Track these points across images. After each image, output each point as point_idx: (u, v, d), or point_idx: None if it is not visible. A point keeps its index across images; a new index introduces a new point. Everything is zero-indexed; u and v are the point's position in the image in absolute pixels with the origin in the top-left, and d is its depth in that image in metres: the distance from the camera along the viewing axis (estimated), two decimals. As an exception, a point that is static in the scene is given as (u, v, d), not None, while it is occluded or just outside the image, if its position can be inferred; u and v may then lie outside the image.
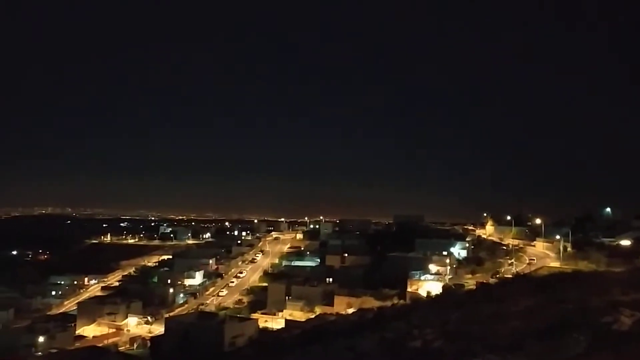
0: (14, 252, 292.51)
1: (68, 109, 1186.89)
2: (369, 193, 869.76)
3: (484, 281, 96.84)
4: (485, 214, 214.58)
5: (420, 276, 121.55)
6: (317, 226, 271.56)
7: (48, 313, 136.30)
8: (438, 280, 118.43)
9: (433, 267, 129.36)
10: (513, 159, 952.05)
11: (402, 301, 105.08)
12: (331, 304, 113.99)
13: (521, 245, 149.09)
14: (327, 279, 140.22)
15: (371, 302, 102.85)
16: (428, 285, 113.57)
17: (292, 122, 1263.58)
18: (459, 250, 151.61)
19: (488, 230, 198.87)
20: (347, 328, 74.89)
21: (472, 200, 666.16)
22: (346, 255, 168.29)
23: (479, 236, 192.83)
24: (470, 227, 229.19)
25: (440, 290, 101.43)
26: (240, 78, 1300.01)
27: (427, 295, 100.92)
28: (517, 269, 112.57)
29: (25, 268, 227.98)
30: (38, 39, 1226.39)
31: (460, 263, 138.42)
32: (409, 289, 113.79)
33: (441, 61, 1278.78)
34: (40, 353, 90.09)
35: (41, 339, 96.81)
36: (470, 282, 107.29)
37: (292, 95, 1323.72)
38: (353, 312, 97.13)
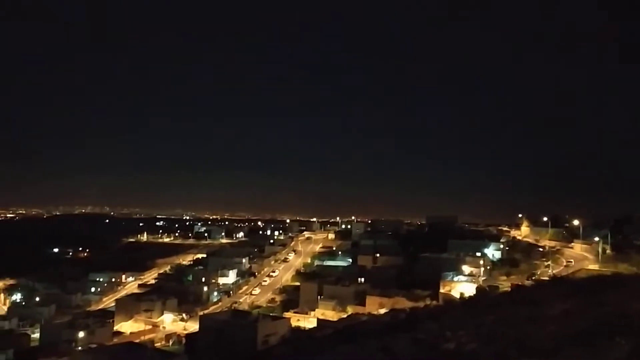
0: (56, 250, 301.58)
1: (108, 109, 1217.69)
2: (401, 194, 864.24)
3: (519, 283, 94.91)
4: (520, 215, 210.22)
5: (453, 277, 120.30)
6: (349, 226, 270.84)
7: (88, 309, 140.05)
8: (471, 281, 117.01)
9: (466, 269, 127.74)
10: (550, 159, 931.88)
11: (434, 302, 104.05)
12: (363, 304, 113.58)
13: (558, 247, 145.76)
14: (359, 279, 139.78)
15: (403, 303, 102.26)
16: (461, 286, 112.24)
17: (325, 123, 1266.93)
18: (493, 252, 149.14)
19: (523, 232, 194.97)
20: (379, 328, 74.66)
21: (507, 201, 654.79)
22: (378, 255, 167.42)
23: (514, 237, 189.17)
24: (505, 229, 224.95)
25: (474, 292, 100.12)
26: (275, 78, 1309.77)
27: (460, 297, 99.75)
28: (553, 271, 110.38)
29: (66, 265, 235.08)
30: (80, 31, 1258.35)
31: (495, 264, 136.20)
32: (441, 290, 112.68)
33: (477, 59, 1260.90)
34: (80, 348, 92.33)
35: (81, 334, 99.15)
36: (504, 284, 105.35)
37: (325, 96, 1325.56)
38: (385, 313, 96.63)
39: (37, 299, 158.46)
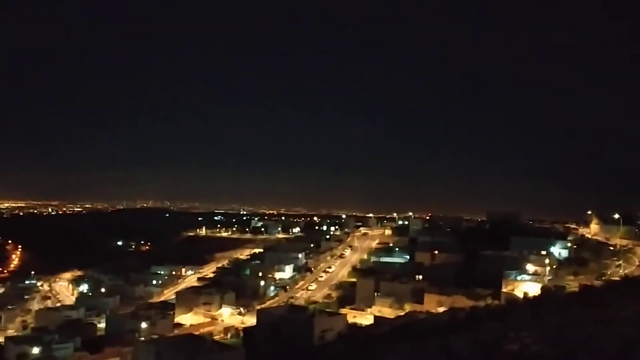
0: (120, 243, 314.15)
1: (167, 104, 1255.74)
2: (461, 189, 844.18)
3: (588, 284, 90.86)
4: (589, 212, 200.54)
5: (516, 276, 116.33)
6: (406, 222, 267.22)
7: (149, 301, 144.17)
8: (536, 281, 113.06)
9: (530, 267, 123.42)
10: (621, 152, 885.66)
11: (496, 302, 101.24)
12: (421, 301, 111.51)
13: (630, 246, 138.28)
14: (417, 276, 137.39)
15: (463, 302, 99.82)
16: (525, 286, 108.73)
17: (382, 119, 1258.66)
18: (559, 250, 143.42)
19: (592, 229, 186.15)
20: (438, 327, 72.75)
21: (575, 196, 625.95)
22: (436, 252, 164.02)
23: (582, 235, 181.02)
24: (573, 226, 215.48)
25: (539, 292, 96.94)
26: (329, 74, 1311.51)
27: (524, 297, 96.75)
28: (625, 272, 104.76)
29: (129, 258, 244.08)
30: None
31: (561, 263, 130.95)
32: (503, 289, 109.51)
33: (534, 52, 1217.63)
34: (143, 338, 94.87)
35: (144, 325, 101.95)
36: (572, 284, 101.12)
37: (384, 92, 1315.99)
38: (444, 311, 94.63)
39: (103, 290, 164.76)
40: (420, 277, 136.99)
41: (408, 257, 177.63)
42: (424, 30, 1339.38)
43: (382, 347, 61.04)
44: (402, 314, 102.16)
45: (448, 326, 72.03)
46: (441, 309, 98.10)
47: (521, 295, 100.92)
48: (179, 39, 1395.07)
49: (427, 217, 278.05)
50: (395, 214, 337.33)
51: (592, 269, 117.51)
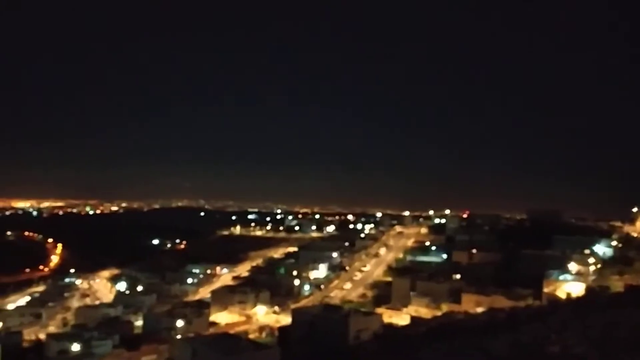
0: (156, 242, 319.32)
1: (197, 104, 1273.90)
2: (500, 187, 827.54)
3: (634, 284, 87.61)
4: (634, 209, 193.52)
5: (558, 276, 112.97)
6: (443, 220, 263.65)
7: (185, 299, 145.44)
8: (579, 280, 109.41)
9: (573, 267, 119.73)
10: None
11: (537, 302, 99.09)
12: (458, 301, 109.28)
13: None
14: (454, 276, 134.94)
15: (502, 302, 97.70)
16: (568, 286, 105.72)
17: (415, 117, 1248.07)
18: (603, 249, 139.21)
19: (638, 227, 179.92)
20: (476, 328, 70.83)
21: (619, 194, 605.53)
22: (474, 251, 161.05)
23: (628, 233, 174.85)
24: (618, 224, 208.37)
25: (582, 292, 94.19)
26: (367, 75, 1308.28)
27: (566, 297, 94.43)
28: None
29: (165, 256, 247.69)
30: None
31: (606, 263, 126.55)
32: (545, 290, 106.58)
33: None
34: (179, 336, 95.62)
35: (180, 323, 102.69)
36: (617, 284, 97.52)
37: (420, 91, 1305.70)
38: (482, 312, 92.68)
39: (140, 288, 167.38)
40: (458, 276, 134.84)
41: (445, 256, 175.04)
42: (454, 26, 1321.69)
43: (418, 348, 59.62)
44: (439, 314, 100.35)
45: (487, 327, 70.12)
46: (479, 309, 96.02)
47: (564, 296, 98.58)
48: (211, 31, 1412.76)
49: (465, 216, 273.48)
50: (431, 212, 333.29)
51: (638, 269, 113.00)
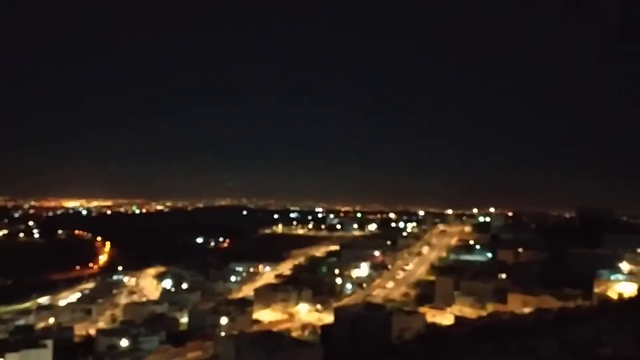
0: (199, 240, 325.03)
1: (240, 105, 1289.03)
2: (547, 184, 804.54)
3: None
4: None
5: (609, 276, 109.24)
6: (488, 219, 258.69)
7: (229, 297, 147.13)
8: (631, 281, 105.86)
9: (625, 266, 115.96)
10: None
11: (587, 302, 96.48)
12: (504, 301, 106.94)
13: None
14: (499, 275, 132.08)
15: (550, 302, 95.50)
16: (619, 286, 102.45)
17: (459, 116, 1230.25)
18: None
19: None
20: (523, 328, 69.27)
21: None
22: (521, 250, 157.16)
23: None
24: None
25: (635, 293, 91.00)
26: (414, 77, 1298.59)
27: (618, 298, 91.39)
28: None
29: (209, 255, 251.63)
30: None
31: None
32: (595, 290, 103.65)
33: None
34: (223, 333, 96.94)
35: (224, 320, 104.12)
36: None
37: (468, 89, 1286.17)
38: (529, 312, 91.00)
39: (185, 285, 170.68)
40: (504, 275, 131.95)
41: (490, 254, 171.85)
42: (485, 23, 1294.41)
43: (463, 348, 58.64)
44: (485, 314, 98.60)
45: (534, 327, 68.55)
46: (526, 310, 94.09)
47: (615, 296, 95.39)
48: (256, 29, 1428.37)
49: (510, 214, 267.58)
50: (475, 210, 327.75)
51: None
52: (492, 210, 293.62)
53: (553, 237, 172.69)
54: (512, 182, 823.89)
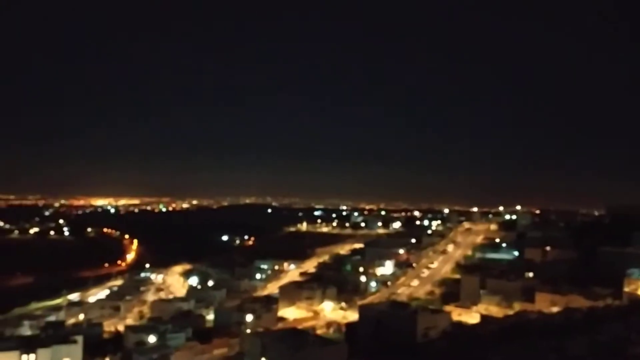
0: (225, 238, 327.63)
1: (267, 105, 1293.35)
2: (575, 182, 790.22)
3: None
4: None
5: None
6: (514, 217, 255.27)
7: (254, 294, 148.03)
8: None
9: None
10: None
11: (617, 302, 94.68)
12: (532, 300, 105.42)
13: None
14: (526, 274, 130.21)
15: (579, 301, 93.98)
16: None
17: (484, 114, 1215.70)
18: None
19: None
20: (552, 328, 68.33)
21: None
22: (548, 248, 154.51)
23: None
24: None
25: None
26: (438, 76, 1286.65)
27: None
28: None
29: (235, 252, 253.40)
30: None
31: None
32: (625, 289, 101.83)
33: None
34: (249, 330, 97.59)
35: (249, 317, 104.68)
36: None
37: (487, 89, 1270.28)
38: (558, 311, 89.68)
39: (211, 283, 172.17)
40: (531, 274, 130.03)
41: (516, 253, 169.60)
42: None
43: (490, 347, 58.12)
44: (511, 313, 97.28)
45: (563, 327, 67.63)
46: (555, 309, 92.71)
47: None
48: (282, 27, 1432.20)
49: (537, 211, 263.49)
50: (501, 208, 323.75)
51: None
52: (518, 208, 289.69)
53: (582, 235, 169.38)
54: (539, 180, 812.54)
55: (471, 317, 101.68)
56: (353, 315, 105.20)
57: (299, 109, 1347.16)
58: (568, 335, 60.27)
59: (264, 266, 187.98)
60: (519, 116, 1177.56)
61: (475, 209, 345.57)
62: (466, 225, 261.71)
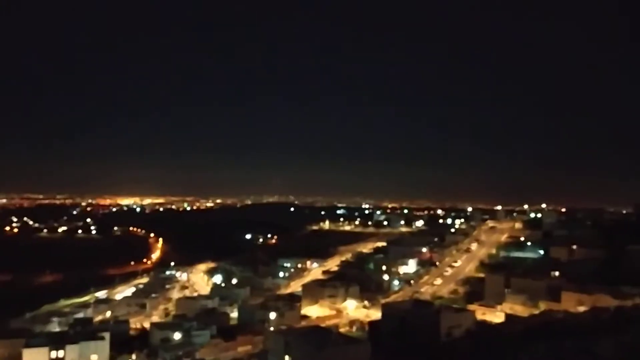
0: (248, 236, 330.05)
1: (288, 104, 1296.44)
2: (602, 179, 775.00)
3: None
4: None
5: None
6: (539, 215, 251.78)
7: (277, 292, 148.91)
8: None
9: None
10: None
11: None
12: (558, 299, 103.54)
13: None
14: (552, 273, 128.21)
15: (607, 301, 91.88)
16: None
17: (508, 111, 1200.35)
18: None
19: None
20: (578, 328, 67.28)
21: None
22: (575, 247, 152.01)
23: None
24: None
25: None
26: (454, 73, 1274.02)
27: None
28: None
29: (258, 251, 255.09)
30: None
31: None
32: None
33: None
34: (272, 328, 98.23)
35: (272, 315, 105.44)
36: None
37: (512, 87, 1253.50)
38: (585, 311, 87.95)
39: (234, 281, 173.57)
40: (557, 273, 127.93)
41: (542, 252, 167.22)
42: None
43: (515, 347, 57.55)
44: (537, 312, 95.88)
45: (590, 327, 66.52)
46: (581, 309, 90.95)
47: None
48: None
49: (563, 209, 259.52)
50: (526, 206, 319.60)
51: None
52: (544, 206, 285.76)
53: (610, 233, 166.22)
54: (565, 178, 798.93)
55: (495, 316, 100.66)
56: (376, 314, 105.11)
57: (322, 108, 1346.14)
58: (595, 335, 59.32)
59: (287, 264, 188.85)
60: (545, 114, 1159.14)
61: (499, 207, 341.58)
62: (490, 223, 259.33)
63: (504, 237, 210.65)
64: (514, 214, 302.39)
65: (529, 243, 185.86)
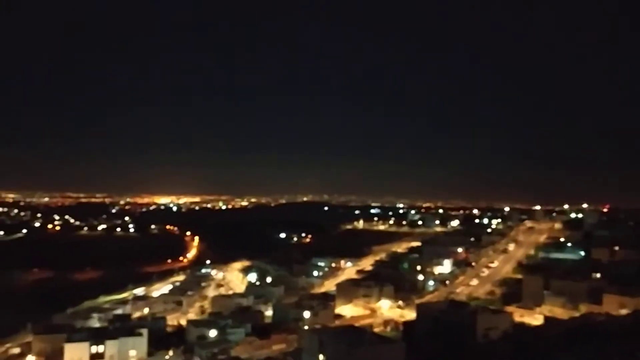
0: (282, 235, 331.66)
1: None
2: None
3: None
4: None
5: None
6: (580, 215, 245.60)
7: (311, 291, 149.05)
8: None
9: None
10: None
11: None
12: (599, 302, 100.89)
13: None
14: (593, 274, 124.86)
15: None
16: None
17: (548, 109, 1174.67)
18: None
19: None
20: (620, 331, 65.31)
21: None
22: (617, 248, 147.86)
23: None
24: None
25: None
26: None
27: None
28: None
29: (292, 249, 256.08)
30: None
31: None
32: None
33: None
34: (306, 327, 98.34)
35: (306, 314, 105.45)
36: None
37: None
38: (627, 314, 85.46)
39: (269, 279, 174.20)
40: (598, 275, 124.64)
41: (582, 253, 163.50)
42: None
43: (555, 350, 56.31)
44: (577, 315, 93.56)
45: (633, 330, 64.63)
46: (623, 311, 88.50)
47: None
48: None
49: (605, 210, 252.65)
50: (566, 206, 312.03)
51: None
52: (585, 206, 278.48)
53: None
54: (607, 178, 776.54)
55: (534, 318, 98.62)
56: (410, 314, 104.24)
57: (356, 108, 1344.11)
58: (638, 339, 57.54)
59: (321, 263, 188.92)
60: (589, 114, 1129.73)
61: (537, 207, 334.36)
62: (528, 223, 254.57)
63: (542, 238, 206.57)
64: (553, 214, 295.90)
65: (569, 244, 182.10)
